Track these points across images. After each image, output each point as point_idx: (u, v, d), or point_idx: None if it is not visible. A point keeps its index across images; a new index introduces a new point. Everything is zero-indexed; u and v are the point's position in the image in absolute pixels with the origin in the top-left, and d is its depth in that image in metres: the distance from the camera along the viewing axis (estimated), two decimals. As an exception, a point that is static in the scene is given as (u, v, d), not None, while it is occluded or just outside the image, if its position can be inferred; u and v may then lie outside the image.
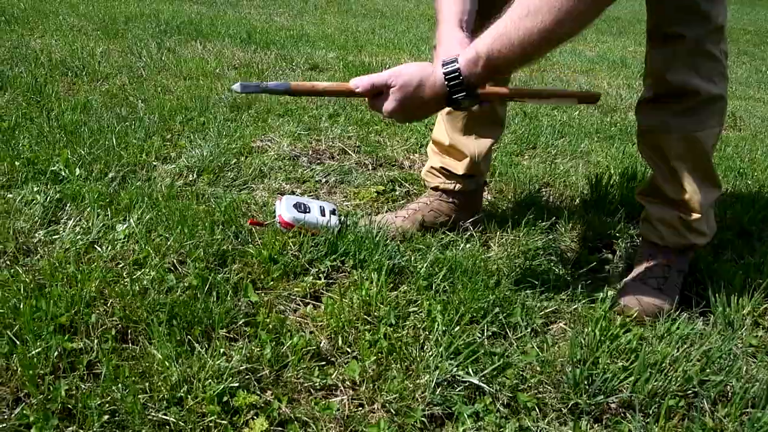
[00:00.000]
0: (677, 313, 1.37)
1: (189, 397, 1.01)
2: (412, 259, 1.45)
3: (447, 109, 1.60)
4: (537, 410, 1.08)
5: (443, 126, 1.64)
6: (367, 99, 1.20)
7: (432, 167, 1.69)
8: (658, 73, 1.38)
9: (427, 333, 1.21)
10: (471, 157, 1.61)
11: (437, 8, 1.30)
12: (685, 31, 1.32)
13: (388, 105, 1.16)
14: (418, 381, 1.09)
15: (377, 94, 1.18)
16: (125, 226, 1.49)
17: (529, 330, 1.26)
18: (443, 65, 1.12)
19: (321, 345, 1.17)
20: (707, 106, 1.38)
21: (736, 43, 7.06)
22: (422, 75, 1.14)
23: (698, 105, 1.38)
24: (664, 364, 1.19)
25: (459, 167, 1.63)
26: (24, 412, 0.96)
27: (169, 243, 1.40)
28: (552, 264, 1.52)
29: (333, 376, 1.11)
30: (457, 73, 1.11)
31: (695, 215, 1.46)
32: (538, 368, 1.17)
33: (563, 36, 1.07)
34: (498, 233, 1.65)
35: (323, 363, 1.14)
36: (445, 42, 1.22)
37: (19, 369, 1.03)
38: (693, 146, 1.40)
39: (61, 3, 4.95)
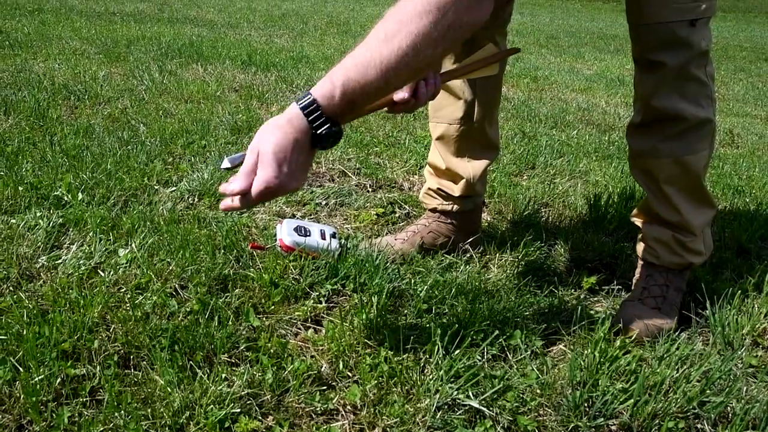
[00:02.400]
0: (676, 333, 1.38)
1: (191, 423, 1.02)
2: (412, 282, 1.46)
3: (438, 133, 1.63)
4: (537, 433, 1.09)
5: (437, 150, 1.66)
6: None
7: (429, 189, 1.71)
8: (646, 99, 1.41)
9: (427, 356, 1.22)
10: (467, 179, 1.63)
11: None
12: (668, 59, 1.35)
13: (269, 174, 0.98)
14: (418, 405, 1.09)
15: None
16: (127, 250, 1.50)
17: (528, 352, 1.27)
18: (297, 101, 1.01)
19: (322, 369, 1.18)
20: (696, 130, 1.41)
21: (732, 60, 7.13)
22: (279, 122, 1.01)
23: (687, 129, 1.40)
24: (663, 386, 1.19)
25: (455, 189, 1.65)
26: (27, 439, 0.97)
27: (171, 267, 1.42)
28: (551, 285, 1.52)
29: (334, 401, 1.11)
30: (314, 106, 1.00)
31: (690, 236, 1.47)
32: (538, 391, 1.17)
33: (421, 63, 1.01)
34: (497, 254, 1.66)
35: (324, 387, 1.14)
36: None
37: (22, 396, 1.04)
38: (684, 170, 1.42)
39: (65, 27, 5.00)
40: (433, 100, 1.28)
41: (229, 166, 1.06)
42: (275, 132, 1.00)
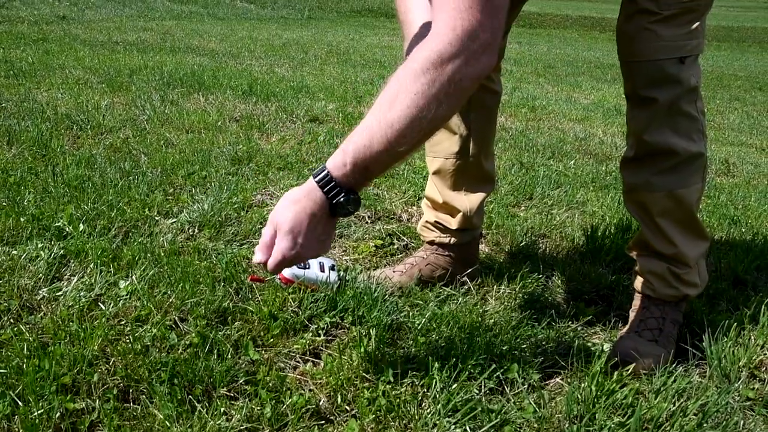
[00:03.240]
0: (673, 365, 1.38)
1: (189, 458, 1.02)
2: (411, 314, 1.47)
3: (435, 167, 1.66)
4: (535, 468, 1.09)
5: (434, 184, 1.69)
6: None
7: (427, 221, 1.73)
8: (639, 134, 1.44)
9: (425, 390, 1.22)
10: (464, 212, 1.65)
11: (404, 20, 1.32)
12: (659, 95, 1.38)
13: (285, 246, 1.04)
14: (416, 439, 1.10)
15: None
16: (128, 282, 1.51)
17: (526, 386, 1.28)
18: (314, 175, 1.05)
19: (320, 403, 1.19)
20: (689, 164, 1.43)
21: (727, 89, 7.20)
22: (296, 196, 1.06)
23: (680, 163, 1.43)
24: (660, 420, 1.20)
25: (453, 222, 1.67)
26: (26, 475, 0.97)
27: (170, 300, 1.43)
28: (548, 317, 1.53)
29: (332, 435, 1.12)
30: (328, 177, 1.04)
31: (685, 268, 1.49)
32: (535, 425, 1.18)
33: (428, 123, 1.01)
34: (495, 286, 1.67)
35: (323, 422, 1.15)
36: None
37: (20, 430, 1.04)
38: (677, 203, 1.45)
39: (68, 56, 5.07)
40: None
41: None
42: (292, 207, 1.05)
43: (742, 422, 1.24)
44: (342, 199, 1.05)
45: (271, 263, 1.06)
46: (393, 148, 1.01)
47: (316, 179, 1.05)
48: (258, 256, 1.07)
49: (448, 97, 1.00)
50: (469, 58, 0.99)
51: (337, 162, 1.04)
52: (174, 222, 1.92)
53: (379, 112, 1.01)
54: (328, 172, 1.04)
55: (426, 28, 1.24)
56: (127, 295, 1.46)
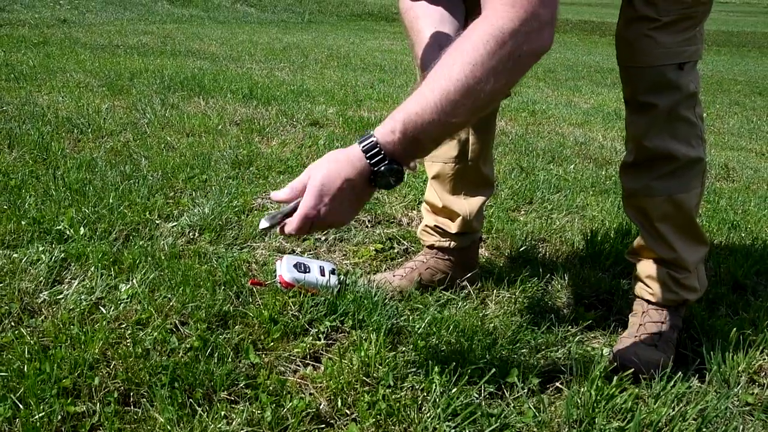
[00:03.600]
0: (672, 370, 1.39)
1: (190, 461, 1.02)
2: (411, 318, 1.47)
3: (434, 172, 1.66)
4: (534, 473, 1.09)
5: (433, 189, 1.69)
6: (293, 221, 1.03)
7: (427, 226, 1.73)
8: (638, 139, 1.45)
9: (425, 394, 1.22)
10: (463, 216, 1.65)
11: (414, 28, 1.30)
12: (658, 100, 1.39)
13: (310, 202, 1.00)
14: (416, 444, 1.10)
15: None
16: (128, 286, 1.51)
17: (525, 390, 1.28)
18: (359, 142, 1.01)
19: (321, 407, 1.19)
20: (688, 169, 1.44)
21: (727, 94, 7.21)
22: (337, 156, 1.03)
23: (679, 168, 1.43)
24: (660, 424, 1.20)
25: (452, 226, 1.67)
26: (26, 478, 0.97)
27: (171, 303, 1.43)
28: (548, 321, 1.54)
29: (332, 439, 1.12)
30: (373, 142, 1.00)
31: (685, 273, 1.49)
32: (535, 429, 1.18)
33: (481, 96, 0.98)
34: (495, 291, 1.68)
35: (323, 426, 1.15)
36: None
37: (22, 434, 1.04)
38: (677, 208, 1.45)
39: (69, 59, 5.08)
40: None
41: (267, 225, 1.06)
42: (330, 165, 1.01)
43: (741, 427, 1.24)
44: (384, 168, 1.00)
45: (293, 221, 1.01)
46: (446, 118, 0.97)
47: (361, 145, 1.00)
48: (283, 193, 1.03)
49: (506, 72, 0.98)
50: (529, 34, 0.97)
51: (386, 129, 1.00)
52: (174, 225, 1.92)
53: (434, 81, 0.98)
54: (374, 138, 1.00)
55: (438, 36, 1.25)
56: (127, 298, 1.47)
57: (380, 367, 1.28)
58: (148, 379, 1.19)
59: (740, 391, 1.35)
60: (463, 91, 0.97)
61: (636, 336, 1.47)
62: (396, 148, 1.00)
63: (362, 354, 1.30)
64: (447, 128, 1.01)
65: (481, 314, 1.54)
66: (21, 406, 1.10)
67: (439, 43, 1.22)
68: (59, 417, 1.08)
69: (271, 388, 1.21)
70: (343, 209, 1.03)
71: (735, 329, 1.51)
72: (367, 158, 1.00)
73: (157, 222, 1.95)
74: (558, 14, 1.01)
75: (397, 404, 1.18)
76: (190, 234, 1.89)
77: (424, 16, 1.29)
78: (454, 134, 1.10)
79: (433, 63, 1.02)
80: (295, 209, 1.03)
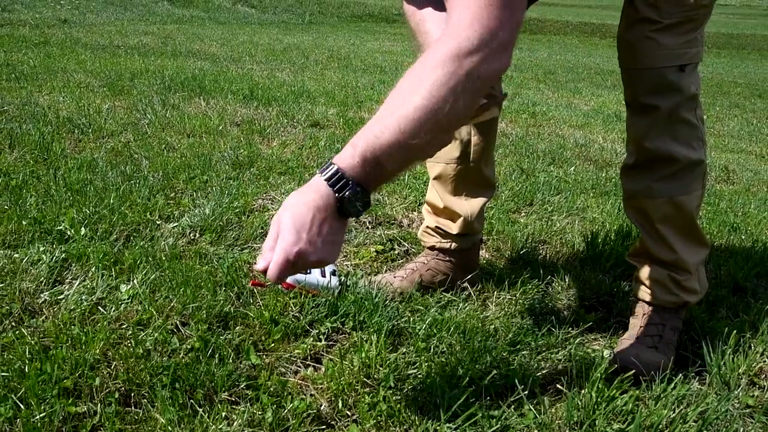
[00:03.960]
0: (673, 372, 1.39)
1: (191, 462, 1.02)
2: (411, 320, 1.47)
3: (435, 173, 1.66)
4: (535, 474, 1.09)
5: (435, 189, 1.69)
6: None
7: (428, 227, 1.73)
8: (639, 141, 1.45)
9: (426, 396, 1.23)
10: (465, 217, 1.65)
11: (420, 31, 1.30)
12: (659, 102, 1.39)
13: (288, 241, 0.96)
14: (417, 445, 1.10)
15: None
16: (129, 286, 1.52)
17: (526, 392, 1.28)
18: (320, 172, 0.99)
19: (321, 408, 1.19)
20: (689, 171, 1.45)
21: (727, 96, 7.22)
22: (302, 191, 1.00)
23: (680, 170, 1.44)
24: (660, 426, 1.20)
25: (453, 227, 1.68)
26: (27, 478, 0.97)
27: (172, 304, 1.43)
28: (549, 323, 1.54)
29: (333, 440, 1.12)
30: (334, 169, 0.97)
31: (685, 274, 1.49)
32: (535, 431, 1.18)
33: (442, 117, 0.97)
34: (495, 292, 1.68)
35: (324, 427, 1.15)
36: None
37: (23, 434, 1.04)
38: (678, 209, 1.46)
39: (70, 60, 5.08)
40: None
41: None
42: (296, 202, 0.99)
43: (741, 429, 1.25)
44: (349, 194, 0.97)
45: (272, 267, 0.96)
46: (406, 139, 0.96)
47: (323, 174, 0.98)
48: (260, 263, 0.98)
49: (464, 93, 0.97)
50: (487, 56, 0.98)
51: (346, 154, 0.98)
52: (175, 226, 1.92)
53: (392, 104, 0.98)
54: (334, 164, 0.98)
55: None
56: (128, 299, 1.47)
57: (381, 368, 1.28)
58: (149, 380, 1.19)
59: (741, 394, 1.35)
60: (422, 112, 0.96)
61: (636, 338, 1.47)
62: (357, 172, 0.98)
63: (363, 355, 1.30)
64: (408, 151, 0.98)
65: (481, 316, 1.54)
66: (22, 407, 1.10)
67: None
68: (60, 417, 1.08)
69: (272, 389, 1.21)
70: (322, 244, 0.98)
71: (735, 331, 1.51)
72: (330, 185, 0.97)
73: (157, 223, 1.95)
74: (516, 37, 1.02)
75: (398, 405, 1.18)
76: (191, 235, 1.89)
77: (430, 19, 1.30)
78: (418, 158, 1.08)
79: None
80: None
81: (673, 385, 1.32)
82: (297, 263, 0.97)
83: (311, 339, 1.38)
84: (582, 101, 5.81)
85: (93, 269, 1.59)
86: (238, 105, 3.86)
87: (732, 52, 14.89)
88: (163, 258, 1.66)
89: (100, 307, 1.43)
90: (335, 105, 4.17)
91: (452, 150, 1.62)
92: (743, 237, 2.33)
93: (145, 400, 1.16)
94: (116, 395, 1.15)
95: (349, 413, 1.19)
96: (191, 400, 1.16)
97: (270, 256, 0.97)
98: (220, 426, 1.09)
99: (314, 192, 0.98)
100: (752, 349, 1.48)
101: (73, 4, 11.07)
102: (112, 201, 2.01)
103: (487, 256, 1.97)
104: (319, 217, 0.98)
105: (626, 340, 1.49)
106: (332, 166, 0.98)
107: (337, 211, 0.99)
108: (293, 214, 0.97)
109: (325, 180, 0.98)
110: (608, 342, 1.54)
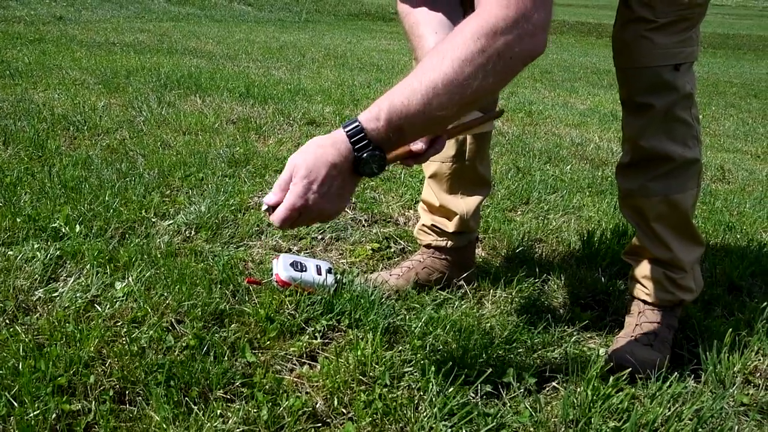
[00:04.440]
0: (668, 370, 1.39)
1: (185, 460, 1.02)
2: (407, 318, 1.47)
3: (431, 171, 1.66)
4: (531, 472, 1.09)
5: (430, 188, 1.69)
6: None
7: (423, 225, 1.73)
8: (634, 140, 1.45)
9: (421, 393, 1.22)
10: (460, 215, 1.65)
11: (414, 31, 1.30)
12: (654, 101, 1.40)
13: (298, 191, 0.98)
14: (412, 443, 1.10)
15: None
16: (124, 284, 1.51)
17: (522, 390, 1.28)
18: (343, 126, 1.01)
19: (317, 406, 1.19)
20: (684, 169, 1.45)
21: (723, 96, 7.23)
22: (322, 142, 1.01)
23: (675, 169, 1.44)
24: (655, 424, 1.20)
25: (449, 225, 1.67)
26: (21, 476, 0.97)
27: (167, 302, 1.43)
28: (544, 322, 1.54)
29: (328, 438, 1.12)
30: (358, 127, 0.99)
31: (681, 273, 1.50)
32: (531, 429, 1.18)
33: (469, 92, 0.98)
34: (491, 290, 1.68)
35: (319, 425, 1.15)
36: None
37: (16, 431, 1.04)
38: (673, 208, 1.46)
39: (65, 57, 5.06)
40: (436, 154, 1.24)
41: (266, 207, 1.04)
42: (314, 151, 1.00)
43: (736, 427, 1.25)
44: (367, 155, 0.99)
45: (279, 211, 0.99)
46: (431, 110, 0.98)
47: (346, 129, 0.99)
48: (269, 197, 1.01)
49: (495, 72, 0.98)
50: (522, 36, 0.97)
51: (371, 115, 0.99)
52: (171, 224, 1.92)
53: (422, 73, 0.98)
54: (359, 123, 0.99)
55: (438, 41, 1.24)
56: (123, 296, 1.46)
57: (377, 366, 1.27)
58: (143, 378, 1.18)
59: (736, 392, 1.36)
60: (451, 85, 0.97)
61: (632, 336, 1.48)
62: (380, 135, 0.99)
63: (359, 353, 1.30)
64: (431, 120, 1.00)
65: (477, 314, 1.54)
66: (16, 404, 1.09)
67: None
68: (54, 415, 1.08)
69: (267, 386, 1.21)
70: (331, 198, 1.01)
71: (730, 330, 1.51)
72: (351, 143, 0.99)
73: (153, 220, 1.95)
74: (550, 19, 1.01)
75: (394, 403, 1.18)
76: (187, 232, 1.89)
77: (424, 21, 1.29)
78: (437, 129, 1.09)
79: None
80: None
81: (668, 383, 1.32)
82: (302, 212, 0.99)
83: (307, 337, 1.38)
84: (578, 100, 5.82)
85: (88, 267, 1.58)
86: (234, 103, 3.85)
87: (728, 53, 14.92)
88: (159, 255, 1.66)
89: (94, 305, 1.43)
90: (331, 103, 4.16)
91: (447, 149, 1.62)
92: (738, 236, 2.33)
93: (140, 398, 1.15)
94: (111, 393, 1.15)
95: (344, 411, 1.19)
96: (186, 398, 1.15)
97: (281, 196, 1.00)
98: (215, 424, 1.08)
99: (333, 147, 0.99)
100: (747, 348, 1.48)
101: (68, 1, 11.03)
102: (107, 198, 2.00)
103: (483, 254, 1.97)
104: (332, 173, 0.99)
105: (622, 338, 1.49)
106: (356, 124, 0.99)
107: (352, 168, 1.01)
108: (308, 165, 0.98)
109: (348, 135, 0.99)
110: (604, 340, 1.54)
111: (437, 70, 0.97)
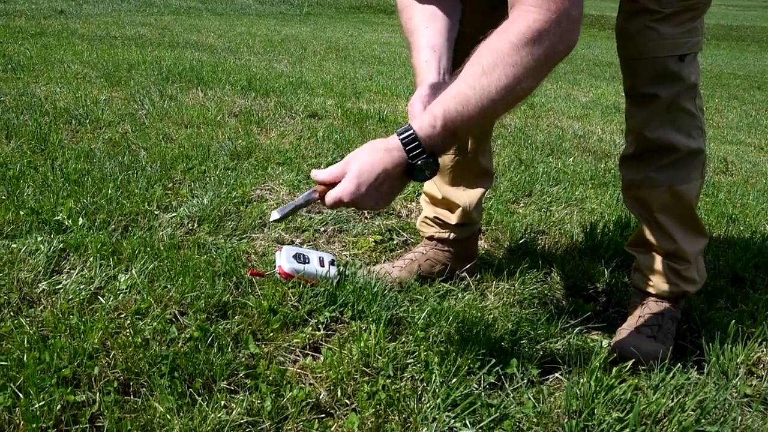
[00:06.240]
0: (671, 362, 1.39)
1: (190, 451, 1.02)
2: (410, 309, 1.47)
3: None
4: (534, 463, 1.09)
5: (433, 180, 1.69)
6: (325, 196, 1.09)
7: (426, 217, 1.73)
8: (638, 130, 1.45)
9: (424, 384, 1.23)
10: (463, 207, 1.65)
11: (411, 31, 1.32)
12: (660, 91, 1.39)
13: (347, 188, 1.05)
14: (416, 433, 1.10)
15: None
16: (127, 276, 1.51)
17: (525, 381, 1.28)
18: (398, 134, 1.05)
19: (320, 397, 1.19)
20: (689, 160, 1.44)
21: (726, 88, 7.21)
22: (377, 146, 1.06)
23: (679, 160, 1.44)
24: (659, 415, 1.20)
25: (452, 217, 1.67)
26: (26, 467, 0.97)
27: (170, 294, 1.43)
28: (547, 313, 1.54)
29: (332, 429, 1.12)
30: (412, 136, 1.04)
31: (684, 264, 1.49)
32: (534, 420, 1.18)
33: (520, 93, 1.04)
34: (494, 282, 1.68)
35: (323, 415, 1.15)
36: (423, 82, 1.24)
37: (21, 422, 1.04)
38: (677, 199, 1.46)
39: (66, 50, 5.05)
40: None
41: (278, 218, 1.09)
42: (371, 154, 1.06)
43: (739, 418, 1.25)
44: (421, 162, 1.04)
45: (328, 198, 1.06)
46: (485, 114, 1.03)
47: (401, 137, 1.04)
48: (323, 175, 1.07)
49: (538, 71, 1.04)
50: (562, 35, 1.03)
51: (425, 123, 1.04)
52: (173, 216, 1.92)
53: (474, 80, 1.03)
54: (414, 131, 1.04)
55: (429, 39, 1.28)
56: (126, 288, 1.46)
57: (380, 357, 1.28)
58: (147, 369, 1.19)
59: (739, 383, 1.36)
60: (504, 90, 1.02)
61: (635, 327, 1.48)
62: (435, 142, 1.04)
63: (362, 344, 1.30)
64: (483, 123, 1.08)
65: (480, 305, 1.54)
66: (21, 395, 1.09)
67: (430, 44, 1.26)
68: (59, 406, 1.08)
69: (270, 378, 1.21)
70: (377, 197, 1.07)
71: (734, 321, 1.51)
72: (405, 150, 1.04)
73: (155, 213, 1.95)
74: (582, 13, 1.06)
75: (397, 394, 1.19)
76: (189, 225, 1.89)
77: (417, 15, 1.31)
78: (487, 127, 1.19)
79: (467, 58, 1.06)
80: (305, 202, 1.09)
81: (671, 374, 1.33)
82: (348, 206, 1.07)
83: (310, 328, 1.38)
84: (581, 92, 5.80)
85: (91, 259, 1.58)
86: (236, 96, 3.84)
87: (731, 44, 14.86)
88: (162, 248, 1.66)
89: (98, 297, 1.43)
90: (333, 96, 4.15)
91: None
92: (742, 228, 2.33)
93: (144, 389, 1.16)
94: (115, 384, 1.15)
95: (348, 402, 1.19)
96: (190, 389, 1.15)
97: (327, 179, 1.07)
98: (219, 415, 1.09)
99: (387, 154, 1.05)
100: (750, 339, 1.48)
101: (70, -5, 10.99)
102: (110, 191, 2.01)
103: (485, 246, 1.97)
104: (383, 178, 1.05)
105: (625, 329, 1.49)
106: (411, 132, 1.04)
107: (403, 173, 1.06)
108: (361, 166, 1.04)
109: (403, 143, 1.04)
110: (607, 332, 1.54)
111: (490, 77, 1.02)
